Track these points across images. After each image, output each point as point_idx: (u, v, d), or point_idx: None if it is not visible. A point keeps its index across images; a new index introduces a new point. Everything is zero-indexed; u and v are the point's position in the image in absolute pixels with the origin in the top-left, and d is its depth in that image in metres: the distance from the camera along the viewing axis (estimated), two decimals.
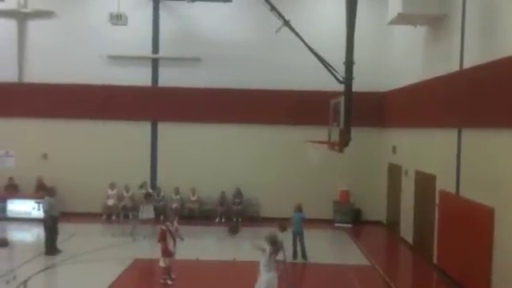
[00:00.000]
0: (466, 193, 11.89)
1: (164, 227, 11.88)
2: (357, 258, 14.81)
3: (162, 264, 11.79)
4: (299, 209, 14.48)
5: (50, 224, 14.22)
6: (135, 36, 19.29)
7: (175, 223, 12.14)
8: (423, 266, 14.39)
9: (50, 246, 14.14)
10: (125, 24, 17.32)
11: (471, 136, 11.83)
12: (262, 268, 9.77)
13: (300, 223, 14.32)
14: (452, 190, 12.58)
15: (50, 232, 14.20)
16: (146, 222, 16.69)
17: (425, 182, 14.64)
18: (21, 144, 19.39)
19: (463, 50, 12.22)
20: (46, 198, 14.58)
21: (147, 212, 16.78)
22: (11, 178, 19.16)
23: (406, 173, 16.47)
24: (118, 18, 17.19)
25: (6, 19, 19.56)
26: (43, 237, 14.32)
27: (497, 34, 10.71)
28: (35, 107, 19.33)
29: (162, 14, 19.75)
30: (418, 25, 14.83)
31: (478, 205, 11.11)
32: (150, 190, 18.03)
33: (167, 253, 11.72)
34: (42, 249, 14.12)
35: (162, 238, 11.77)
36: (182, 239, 12.25)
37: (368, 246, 16.14)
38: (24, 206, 18.41)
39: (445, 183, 13.13)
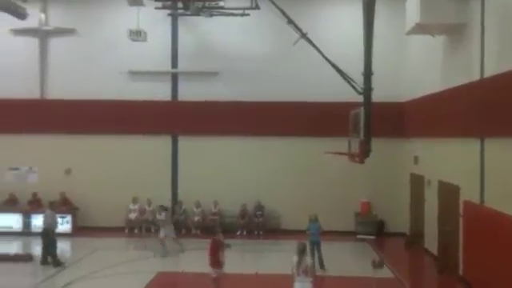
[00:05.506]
0: (491, 203, 11.65)
1: (216, 237, 11.85)
2: (381, 271, 14.58)
3: (214, 275, 11.61)
4: (315, 219, 14.55)
5: (52, 236, 14.70)
6: (154, 51, 19.50)
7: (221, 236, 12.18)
8: (448, 278, 14.11)
9: (43, 257, 14.65)
10: (144, 40, 17.56)
11: (494, 146, 11.63)
12: (294, 279, 9.83)
13: (317, 233, 14.33)
14: (476, 200, 12.36)
15: (48, 244, 14.63)
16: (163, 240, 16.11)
17: (448, 193, 14.41)
18: (44, 160, 19.68)
19: (483, 58, 12.05)
20: (47, 211, 15.04)
21: (168, 231, 16.17)
22: (35, 194, 19.41)
23: (429, 183, 16.24)
24: (137, 34, 17.41)
25: (29, 37, 19.96)
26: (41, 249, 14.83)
27: None
28: (58, 123, 19.62)
29: (181, 29, 19.96)
30: (436, 34, 14.69)
31: (503, 215, 10.89)
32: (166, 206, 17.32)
33: (218, 264, 11.53)
34: (62, 263, 14.55)
35: (215, 249, 11.63)
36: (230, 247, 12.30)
37: (392, 258, 15.88)
38: None
39: (469, 194, 12.89)
